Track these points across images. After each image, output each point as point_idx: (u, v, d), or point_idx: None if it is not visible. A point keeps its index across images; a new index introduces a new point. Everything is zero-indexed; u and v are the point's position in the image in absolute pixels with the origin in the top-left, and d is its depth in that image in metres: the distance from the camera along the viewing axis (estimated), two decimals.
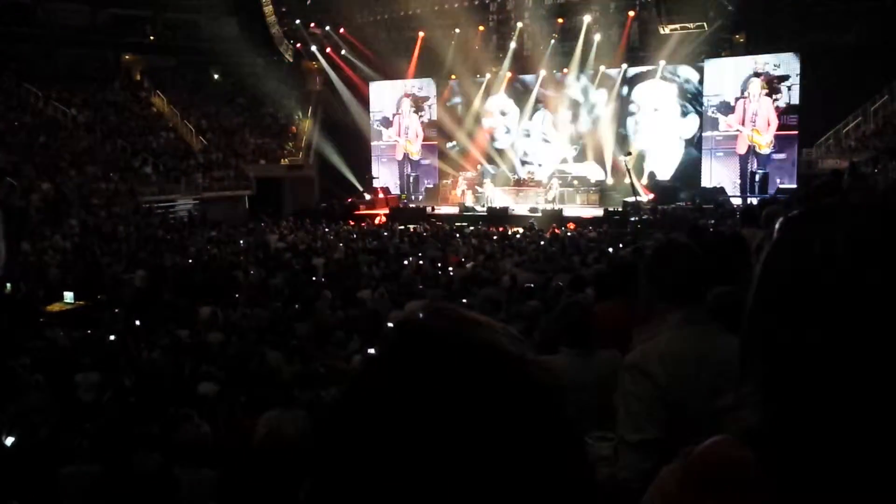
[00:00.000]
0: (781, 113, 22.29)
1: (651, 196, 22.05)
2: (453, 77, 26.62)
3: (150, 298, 11.54)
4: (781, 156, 22.40)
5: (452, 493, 0.59)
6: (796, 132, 21.98)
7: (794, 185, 19.69)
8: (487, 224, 20.74)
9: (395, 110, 28.20)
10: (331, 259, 14.57)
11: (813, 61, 20.34)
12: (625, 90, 24.17)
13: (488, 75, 25.83)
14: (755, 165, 22.72)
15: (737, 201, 20.23)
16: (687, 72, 23.25)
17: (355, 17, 26.98)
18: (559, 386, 0.67)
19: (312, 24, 27.92)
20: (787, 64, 21.84)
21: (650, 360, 2.16)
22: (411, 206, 25.45)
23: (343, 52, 27.79)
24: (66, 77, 26.94)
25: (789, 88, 22.04)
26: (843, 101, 19.63)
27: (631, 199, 20.63)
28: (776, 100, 22.27)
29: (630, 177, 19.77)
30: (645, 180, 23.12)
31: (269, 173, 27.19)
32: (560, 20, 24.31)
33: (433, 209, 23.98)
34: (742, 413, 0.83)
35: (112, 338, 9.00)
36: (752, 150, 22.85)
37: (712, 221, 15.17)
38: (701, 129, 23.33)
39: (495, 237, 17.73)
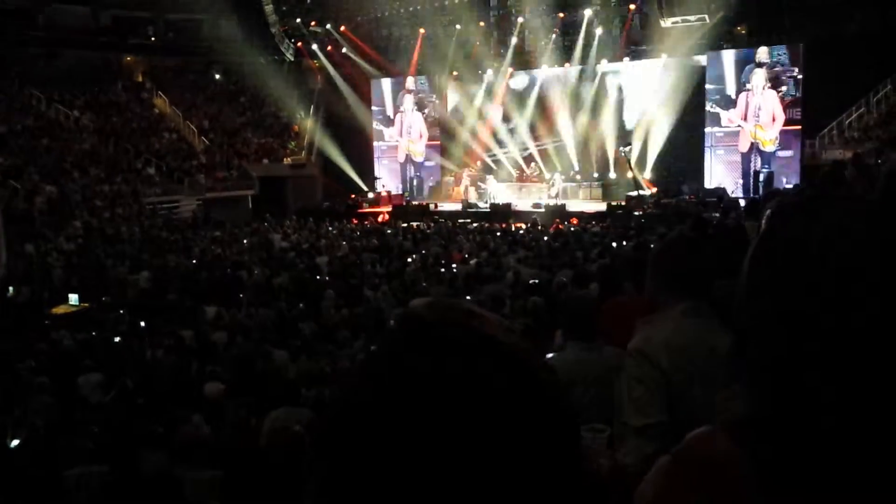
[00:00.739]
0: (787, 106, 21.11)
1: (654, 190, 21.96)
2: (454, 73, 26.58)
3: (155, 299, 11.56)
4: (787, 153, 21.11)
5: (452, 487, 0.59)
6: (801, 127, 20.95)
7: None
8: (490, 220, 20.72)
9: (397, 107, 28.12)
10: (334, 258, 14.57)
11: (815, 52, 20.17)
12: (626, 83, 24.03)
13: (490, 71, 25.78)
14: (759, 164, 21.48)
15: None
16: (689, 64, 22.68)
17: (356, 14, 26.95)
18: (558, 381, 0.68)
19: (313, 23, 27.89)
20: (789, 55, 21.04)
21: (653, 345, 2.18)
22: (414, 203, 25.42)
23: (344, 49, 27.74)
24: (68, 79, 26.97)
25: (795, 80, 20.97)
26: (845, 92, 19.49)
27: (634, 193, 20.56)
28: (781, 92, 21.18)
29: (631, 169, 19.64)
30: (648, 174, 22.97)
31: (272, 173, 27.19)
32: (561, 15, 24.23)
33: (436, 206, 23.97)
34: (733, 406, 0.84)
35: (117, 339, 9.02)
36: (755, 147, 21.61)
37: (716, 215, 15.12)
38: (703, 124, 22.44)
39: (498, 233, 17.70)
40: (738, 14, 21.29)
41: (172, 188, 24.46)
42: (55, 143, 24.00)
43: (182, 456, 4.48)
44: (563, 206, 21.48)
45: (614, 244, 13.28)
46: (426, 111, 27.57)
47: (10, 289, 12.19)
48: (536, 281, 9.83)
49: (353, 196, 26.40)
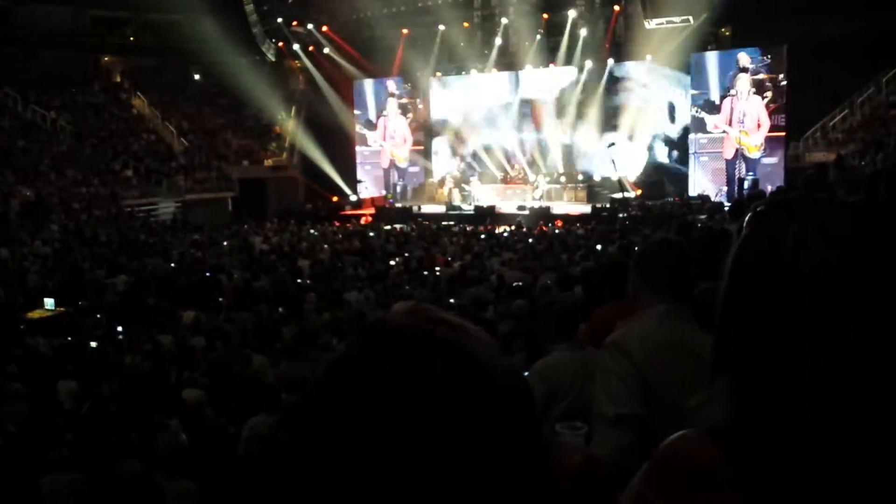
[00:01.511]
0: (772, 112, 21.08)
1: (638, 192, 22.00)
2: (438, 74, 26.51)
3: (133, 303, 11.37)
4: (772, 160, 21.05)
5: (413, 490, 0.61)
6: (785, 134, 20.93)
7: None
8: (475, 223, 20.66)
9: (380, 111, 27.96)
10: (316, 261, 14.44)
11: (798, 54, 20.29)
12: (609, 84, 24.03)
13: (474, 71, 25.74)
14: (743, 171, 21.42)
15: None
16: (673, 66, 22.64)
17: (338, 14, 26.82)
18: (520, 389, 0.69)
19: (294, 23, 27.72)
20: (774, 57, 21.09)
21: (628, 339, 2.21)
22: (397, 205, 25.33)
23: (326, 50, 27.59)
24: (45, 80, 26.61)
25: (779, 84, 20.94)
26: (829, 94, 19.63)
27: (618, 195, 20.59)
28: (766, 98, 21.18)
29: (615, 169, 19.60)
30: (632, 176, 22.98)
31: (253, 174, 26.99)
32: (545, 15, 24.24)
33: (419, 208, 23.89)
34: (712, 408, 0.83)
35: (94, 344, 8.86)
36: (739, 153, 21.56)
37: (702, 217, 15.15)
38: (687, 129, 22.44)
39: (483, 236, 17.65)
40: (721, 16, 21.38)
41: (151, 190, 24.21)
42: (32, 144, 23.70)
43: (159, 463, 4.39)
44: (548, 208, 21.48)
45: (599, 247, 13.26)
46: (409, 115, 27.46)
47: None
48: (520, 283, 9.79)
49: (335, 198, 26.24)
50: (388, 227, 20.27)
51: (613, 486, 1.16)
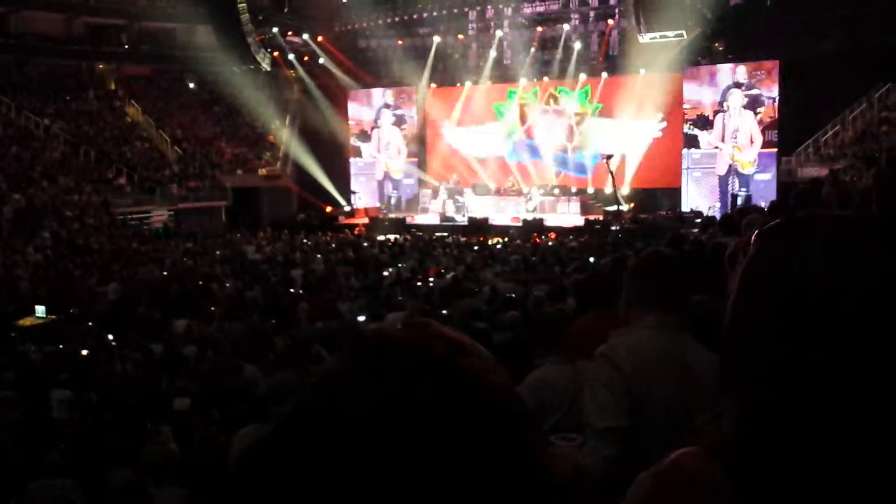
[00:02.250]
0: (765, 128, 21.17)
1: (631, 205, 22.06)
2: (433, 86, 26.58)
3: (124, 312, 11.33)
4: (766, 176, 21.08)
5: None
6: (777, 150, 21.00)
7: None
8: (468, 234, 20.67)
9: (374, 123, 27.99)
10: (309, 271, 14.41)
11: (791, 69, 20.45)
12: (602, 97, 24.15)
13: (469, 84, 25.83)
14: (736, 187, 21.46)
15: None
16: (666, 80, 22.73)
17: (333, 25, 26.90)
18: (515, 410, 0.67)
19: (290, 33, 27.77)
20: (767, 73, 21.16)
21: (619, 350, 2.22)
22: (391, 216, 25.33)
23: (321, 60, 27.63)
24: (39, 87, 26.58)
25: (773, 101, 21.02)
26: (821, 110, 19.78)
27: (612, 207, 20.63)
28: (758, 114, 21.23)
29: (612, 181, 19.62)
30: (626, 189, 23.03)
31: (246, 183, 26.96)
32: (539, 29, 24.42)
33: (412, 219, 23.89)
34: (719, 426, 0.83)
35: (85, 352, 8.82)
36: (732, 169, 21.62)
37: (695, 231, 15.18)
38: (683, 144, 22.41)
39: (476, 247, 17.65)
40: (715, 31, 21.54)
41: (144, 198, 24.15)
42: (24, 151, 23.62)
43: (150, 472, 4.37)
44: (541, 220, 21.51)
45: (592, 259, 13.27)
46: (404, 127, 27.50)
47: None
48: (513, 295, 9.78)
49: (329, 209, 26.20)
50: (382, 238, 20.27)
51: (600, 497, 1.17)
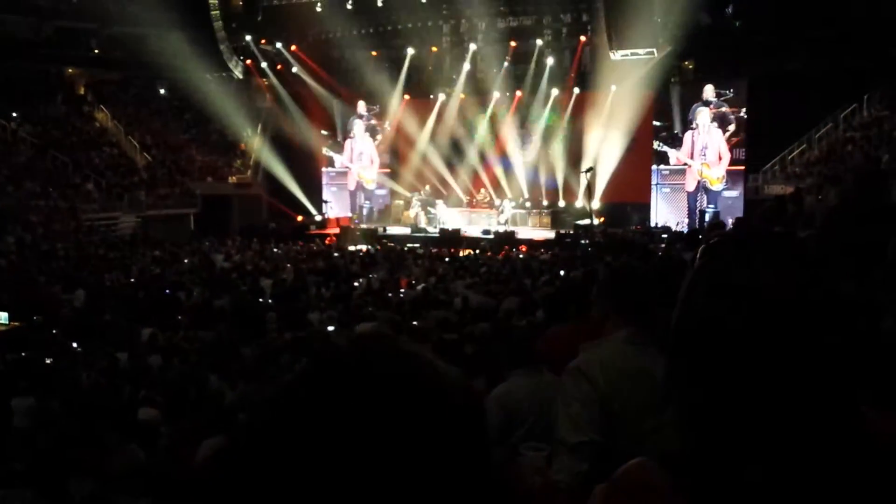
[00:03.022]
0: (733, 146, 21.57)
1: (601, 219, 22.27)
2: (406, 97, 26.64)
3: (90, 319, 11.15)
4: (733, 193, 21.46)
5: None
6: (745, 168, 21.36)
7: None
8: (439, 245, 20.70)
9: (347, 132, 27.93)
10: (279, 280, 14.31)
11: (759, 88, 20.84)
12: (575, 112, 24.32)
13: (442, 96, 25.92)
14: (704, 203, 21.78)
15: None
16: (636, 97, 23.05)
17: (307, 34, 26.83)
18: (472, 424, 0.68)
19: (263, 41, 27.65)
20: (735, 92, 21.54)
21: (591, 365, 2.22)
22: (363, 226, 25.27)
23: (294, 69, 27.55)
24: (6, 90, 26.11)
25: (741, 117, 21.40)
26: (788, 128, 20.15)
27: (583, 221, 20.80)
28: (727, 131, 21.66)
29: (588, 194, 19.74)
30: (596, 203, 23.19)
31: (216, 191, 26.71)
32: (513, 44, 24.60)
33: (384, 230, 23.87)
34: (664, 436, 0.86)
35: (48, 360, 8.66)
36: (701, 186, 21.95)
37: (663, 245, 15.38)
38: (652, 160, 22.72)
39: (447, 259, 17.68)
40: (685, 50, 21.88)
41: (111, 205, 23.82)
42: None
43: (114, 482, 4.30)
44: (513, 232, 21.63)
45: (562, 272, 13.37)
46: (377, 138, 27.49)
47: None
48: (484, 307, 9.81)
49: (300, 218, 26.08)
50: (353, 248, 20.20)
51: None
